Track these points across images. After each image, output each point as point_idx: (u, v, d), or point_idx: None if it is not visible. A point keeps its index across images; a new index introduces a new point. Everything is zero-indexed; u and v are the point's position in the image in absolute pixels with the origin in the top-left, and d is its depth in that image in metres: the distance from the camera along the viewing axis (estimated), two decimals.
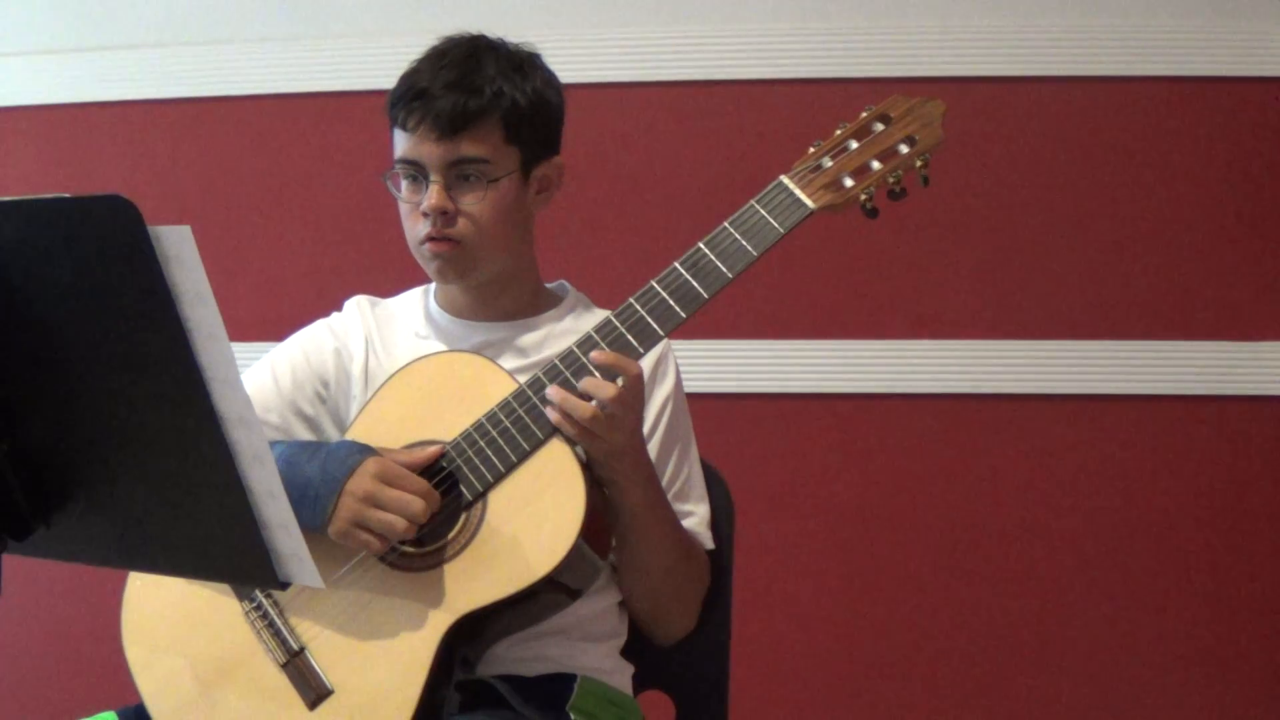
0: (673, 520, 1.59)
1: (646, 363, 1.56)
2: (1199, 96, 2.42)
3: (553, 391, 1.47)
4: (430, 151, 1.57)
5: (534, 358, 1.64)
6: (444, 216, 1.57)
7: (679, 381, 1.67)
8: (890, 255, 2.45)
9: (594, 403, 1.45)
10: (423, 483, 1.47)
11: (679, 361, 1.69)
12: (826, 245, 2.40)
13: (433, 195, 1.57)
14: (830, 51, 2.46)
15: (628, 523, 1.54)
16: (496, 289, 1.67)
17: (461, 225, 1.58)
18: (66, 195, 1.06)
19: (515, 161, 1.60)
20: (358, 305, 1.74)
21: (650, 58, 2.50)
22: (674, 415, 1.65)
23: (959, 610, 2.46)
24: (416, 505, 1.45)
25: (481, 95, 1.57)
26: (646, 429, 1.60)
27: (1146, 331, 2.43)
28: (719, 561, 1.68)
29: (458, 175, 1.58)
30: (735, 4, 2.50)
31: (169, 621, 1.55)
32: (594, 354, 1.48)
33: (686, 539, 1.61)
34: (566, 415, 1.45)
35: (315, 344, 1.70)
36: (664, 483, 1.61)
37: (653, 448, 1.60)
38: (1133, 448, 2.44)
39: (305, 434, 1.66)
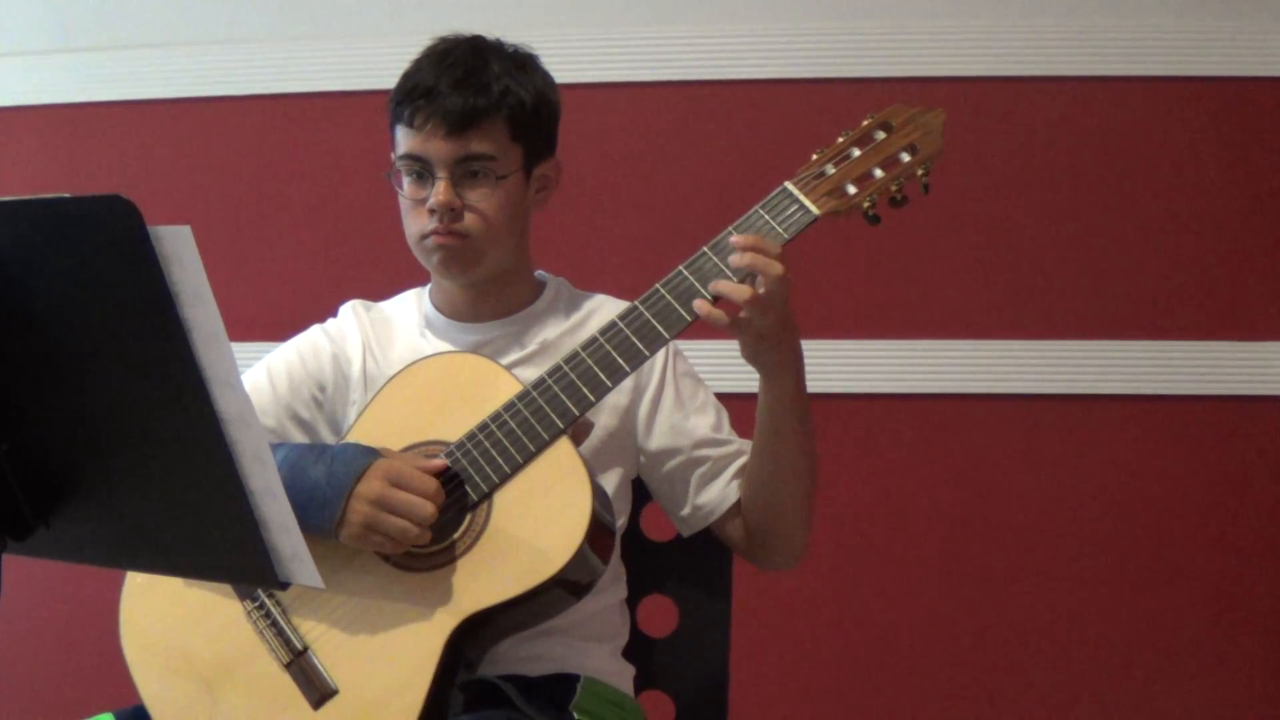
0: (810, 424, 1.58)
1: (650, 363, 1.56)
2: (1199, 96, 2.42)
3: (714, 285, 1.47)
4: (438, 148, 1.57)
5: (530, 348, 1.65)
6: (451, 213, 1.58)
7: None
8: (890, 255, 2.45)
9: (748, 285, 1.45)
10: (433, 483, 1.47)
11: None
12: (825, 245, 2.39)
13: (440, 191, 1.57)
14: (831, 52, 2.46)
15: (779, 416, 1.54)
16: (494, 288, 1.67)
17: (468, 221, 1.59)
18: (66, 195, 1.06)
19: (519, 160, 1.61)
20: (353, 309, 1.74)
21: (650, 58, 2.50)
22: (684, 370, 1.69)
23: (958, 610, 2.46)
24: (427, 509, 1.45)
25: (489, 93, 1.58)
26: (660, 380, 1.65)
27: (1146, 331, 2.43)
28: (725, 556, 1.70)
29: (464, 172, 1.59)
30: (735, 4, 2.50)
31: (169, 621, 1.55)
32: (734, 238, 1.47)
33: (813, 446, 1.60)
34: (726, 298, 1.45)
35: (311, 348, 1.70)
36: (714, 423, 1.65)
37: (690, 385, 1.66)
38: (1133, 448, 2.44)
39: (301, 438, 1.66)
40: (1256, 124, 2.42)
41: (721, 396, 1.71)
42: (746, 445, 1.66)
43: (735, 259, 1.46)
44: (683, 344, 1.67)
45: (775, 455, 1.57)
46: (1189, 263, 2.43)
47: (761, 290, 1.44)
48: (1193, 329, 2.42)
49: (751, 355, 1.51)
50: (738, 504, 1.63)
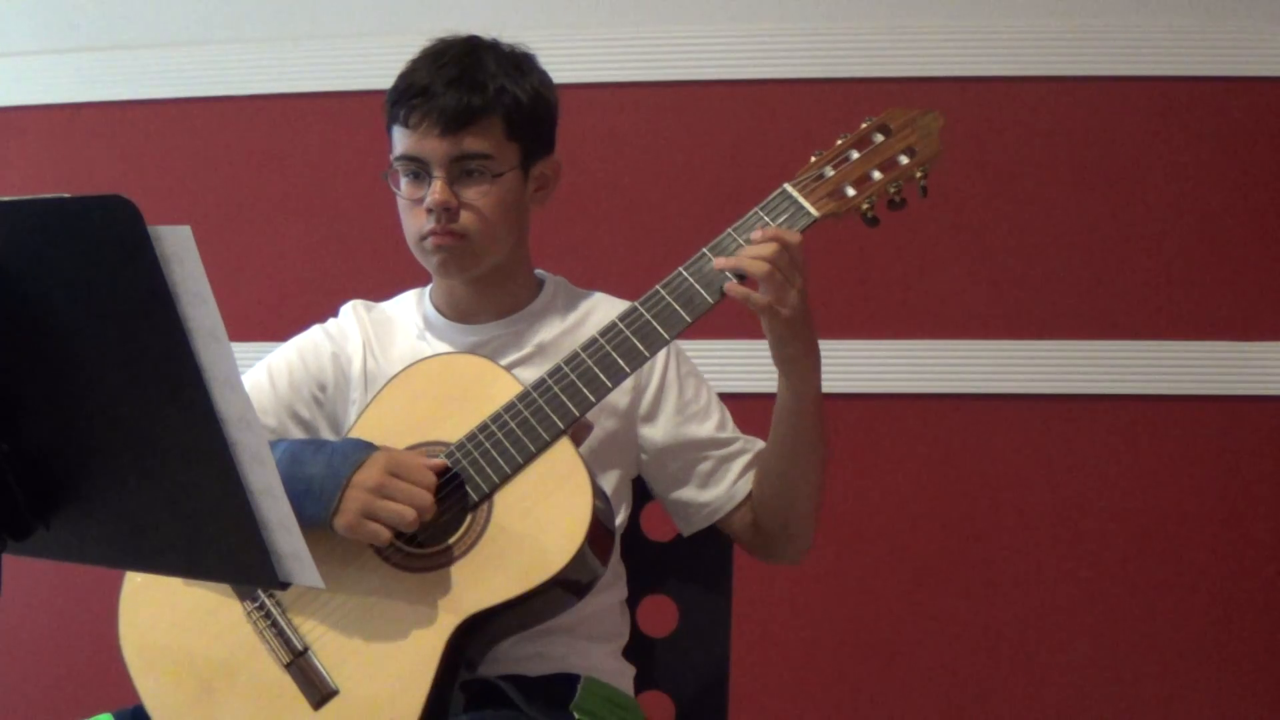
0: (825, 423, 1.58)
1: (650, 363, 1.56)
2: (1199, 96, 2.43)
3: (722, 261, 1.47)
4: (433, 148, 1.58)
5: (528, 348, 1.65)
6: (448, 212, 1.58)
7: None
8: (890, 255, 2.45)
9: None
10: (431, 475, 1.47)
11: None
12: (825, 245, 2.40)
13: (437, 190, 1.57)
14: (831, 52, 2.46)
15: (800, 415, 1.54)
16: (493, 286, 1.67)
17: (465, 219, 1.59)
18: (66, 195, 1.06)
19: (516, 158, 1.61)
20: (353, 309, 1.74)
21: (650, 58, 2.50)
22: (687, 371, 1.69)
23: (958, 610, 2.46)
24: (426, 499, 1.46)
25: (485, 92, 1.58)
26: (661, 381, 1.65)
27: (1146, 331, 2.43)
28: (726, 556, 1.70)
29: (461, 171, 1.59)
30: (735, 4, 2.50)
31: (168, 621, 1.54)
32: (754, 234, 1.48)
33: (826, 445, 1.61)
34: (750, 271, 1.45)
35: (312, 348, 1.70)
36: (717, 422, 1.65)
37: (692, 386, 1.66)
38: (1133, 448, 2.44)
39: (301, 438, 1.66)
40: (1256, 124, 2.42)
41: (723, 396, 1.71)
42: (751, 442, 1.66)
43: (756, 235, 1.47)
44: (686, 344, 1.67)
45: (792, 453, 1.58)
46: (1189, 263, 2.43)
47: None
48: (1193, 329, 2.42)
49: (778, 346, 1.50)
50: (744, 500, 1.64)
